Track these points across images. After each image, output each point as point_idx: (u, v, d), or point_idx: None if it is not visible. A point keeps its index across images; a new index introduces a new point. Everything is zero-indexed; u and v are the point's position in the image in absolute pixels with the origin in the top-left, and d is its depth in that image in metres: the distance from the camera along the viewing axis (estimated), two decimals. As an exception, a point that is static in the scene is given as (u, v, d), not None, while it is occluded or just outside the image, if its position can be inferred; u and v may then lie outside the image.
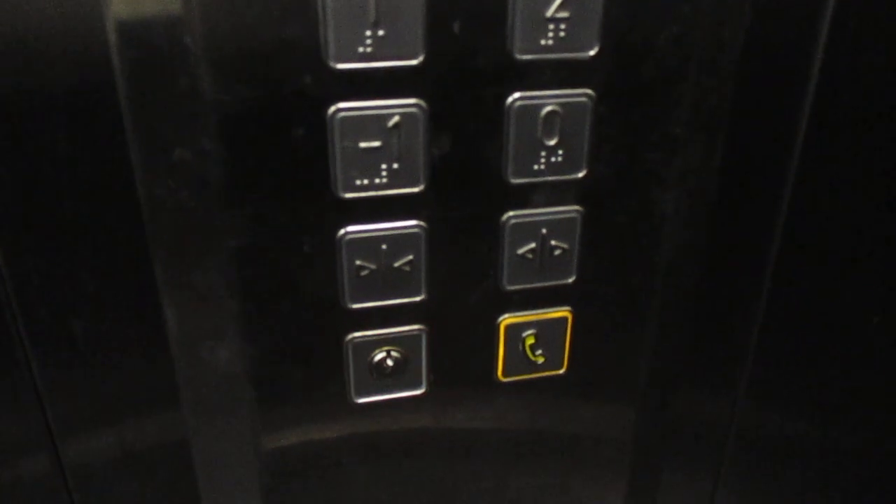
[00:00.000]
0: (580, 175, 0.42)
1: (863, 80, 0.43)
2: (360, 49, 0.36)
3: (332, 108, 0.37)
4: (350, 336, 0.44)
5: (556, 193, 0.42)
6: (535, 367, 0.47)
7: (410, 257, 0.41)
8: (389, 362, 0.45)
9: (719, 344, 0.51)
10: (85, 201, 0.37)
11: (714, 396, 0.53)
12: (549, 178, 0.41)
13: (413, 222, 0.41)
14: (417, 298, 0.43)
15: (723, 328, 0.50)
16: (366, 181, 0.39)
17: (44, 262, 0.38)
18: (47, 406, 0.41)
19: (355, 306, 0.42)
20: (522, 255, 0.43)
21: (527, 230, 0.43)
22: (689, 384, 0.52)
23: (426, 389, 0.47)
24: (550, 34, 0.37)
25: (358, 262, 0.41)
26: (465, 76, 0.38)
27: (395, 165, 0.39)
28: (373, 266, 0.41)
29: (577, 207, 0.43)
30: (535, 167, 0.41)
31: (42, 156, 0.35)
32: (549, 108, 0.39)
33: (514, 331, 0.46)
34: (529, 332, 0.46)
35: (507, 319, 0.45)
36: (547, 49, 0.38)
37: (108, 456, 0.44)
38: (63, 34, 0.33)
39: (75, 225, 0.37)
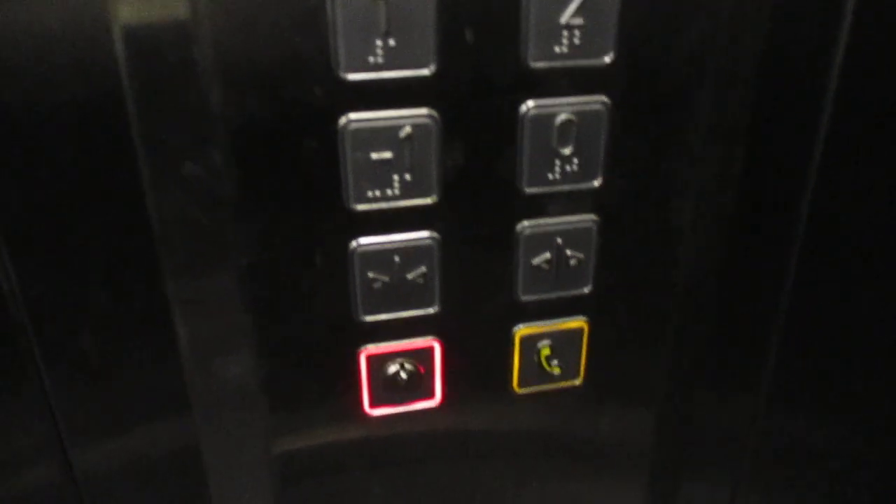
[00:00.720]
0: (596, 184, 0.41)
1: (883, 89, 0.42)
2: (371, 59, 0.35)
3: (343, 120, 0.36)
4: (363, 348, 0.43)
5: (571, 203, 0.41)
6: (551, 379, 0.47)
7: (424, 269, 0.41)
8: (403, 375, 0.44)
9: (738, 353, 0.50)
10: (95, 216, 0.37)
11: (733, 405, 0.52)
12: (565, 188, 0.41)
13: (426, 234, 0.40)
14: (431, 310, 0.42)
15: (742, 337, 0.50)
16: (378, 193, 0.38)
17: (55, 277, 0.38)
18: (59, 417, 0.41)
19: (368, 319, 0.42)
20: (537, 266, 0.43)
21: (542, 240, 0.42)
22: (709, 393, 0.51)
23: (441, 401, 0.46)
24: (565, 41, 0.37)
25: (371, 275, 0.40)
26: (477, 85, 0.37)
27: (408, 176, 0.38)
28: (386, 278, 0.41)
29: (592, 216, 0.42)
30: (550, 176, 0.40)
31: (52, 171, 0.35)
32: (563, 117, 0.38)
33: (530, 342, 0.45)
34: (545, 343, 0.45)
35: (522, 330, 0.45)
36: (561, 56, 0.37)
37: (120, 469, 0.44)
38: (71, 49, 0.33)
39: (86, 240, 0.37)
